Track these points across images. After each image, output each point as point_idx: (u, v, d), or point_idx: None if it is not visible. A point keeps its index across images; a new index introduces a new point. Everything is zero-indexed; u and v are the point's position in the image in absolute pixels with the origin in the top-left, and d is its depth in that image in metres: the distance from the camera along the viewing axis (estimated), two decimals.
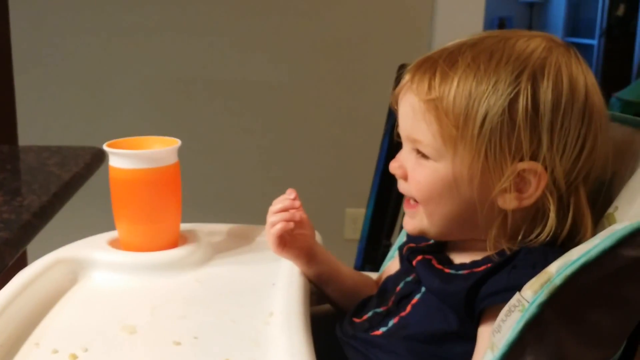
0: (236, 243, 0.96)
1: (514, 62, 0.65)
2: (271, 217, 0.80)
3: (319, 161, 2.40)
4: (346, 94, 2.36)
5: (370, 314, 0.77)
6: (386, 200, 1.55)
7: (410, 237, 0.81)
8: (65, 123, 2.30)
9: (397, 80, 0.76)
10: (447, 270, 0.70)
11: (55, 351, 0.68)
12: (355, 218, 2.50)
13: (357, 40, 2.30)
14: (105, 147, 0.87)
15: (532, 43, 0.67)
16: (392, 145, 1.53)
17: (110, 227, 0.93)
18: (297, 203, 0.81)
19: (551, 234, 0.65)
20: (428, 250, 0.75)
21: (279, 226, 0.79)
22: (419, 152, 0.70)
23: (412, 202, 0.73)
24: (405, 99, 0.71)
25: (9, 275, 0.82)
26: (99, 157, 1.42)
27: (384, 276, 0.85)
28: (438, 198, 0.69)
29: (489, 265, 0.66)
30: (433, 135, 0.67)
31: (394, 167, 0.74)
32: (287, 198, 0.81)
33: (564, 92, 0.65)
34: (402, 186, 0.74)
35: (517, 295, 0.55)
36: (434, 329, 0.68)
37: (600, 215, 0.67)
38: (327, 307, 0.88)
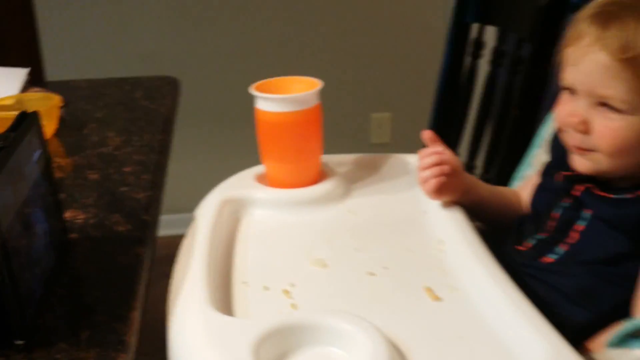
0: (367, 173, 1.02)
1: None
2: (422, 173, 0.85)
3: (346, 67, 2.42)
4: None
5: (533, 241, 0.83)
6: (449, 113, 1.60)
7: (557, 158, 0.86)
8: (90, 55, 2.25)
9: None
10: (610, 196, 0.77)
11: (267, 288, 0.75)
12: (380, 123, 2.56)
13: None
14: (252, 91, 0.91)
15: None
16: (453, 63, 1.57)
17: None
18: (446, 156, 0.85)
19: None
20: (585, 179, 0.80)
21: (432, 182, 0.84)
22: (605, 105, 0.74)
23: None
24: (592, 56, 0.73)
25: None
26: (176, 87, 1.45)
27: (524, 197, 0.93)
28: (629, 150, 0.74)
29: None
30: (630, 90, 0.71)
31: (574, 122, 0.76)
32: (435, 152, 0.85)
33: None
34: (578, 138, 0.77)
35: None
36: (608, 252, 0.75)
37: None
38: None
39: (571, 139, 0.79)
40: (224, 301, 0.72)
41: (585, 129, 0.76)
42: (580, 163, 0.79)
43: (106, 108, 1.30)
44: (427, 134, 0.88)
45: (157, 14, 2.23)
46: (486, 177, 1.41)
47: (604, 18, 0.73)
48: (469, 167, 1.53)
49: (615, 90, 0.72)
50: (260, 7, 2.29)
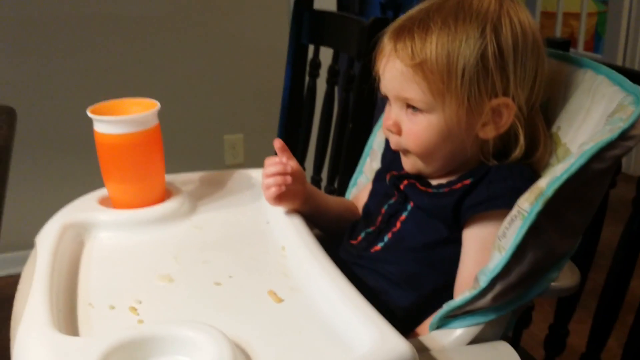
0: (212, 189, 1.05)
1: (476, 20, 0.80)
2: (265, 180, 0.91)
3: (197, 91, 2.45)
4: (221, 21, 2.40)
5: (363, 234, 0.91)
6: (295, 131, 1.67)
7: (385, 164, 0.96)
8: None
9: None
10: (430, 191, 0.86)
11: (112, 307, 0.76)
12: (234, 144, 2.60)
13: None
14: (89, 114, 0.92)
15: (484, 1, 0.82)
16: (294, 83, 1.64)
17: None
18: (289, 167, 0.90)
19: (523, 151, 0.82)
20: (409, 176, 0.90)
21: (273, 190, 0.89)
22: (409, 106, 0.83)
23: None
24: (391, 65, 0.83)
25: None
26: (12, 116, 1.40)
27: (359, 203, 1.00)
28: (434, 147, 0.83)
29: (465, 182, 0.83)
30: (423, 92, 0.81)
31: (389, 125, 0.85)
32: (280, 162, 0.90)
33: (519, 35, 0.81)
34: (395, 140, 0.86)
35: (516, 207, 0.72)
36: (427, 238, 0.84)
37: None
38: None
39: (392, 141, 0.88)
40: (69, 323, 0.72)
41: (397, 130, 0.86)
42: (405, 162, 0.89)
43: None
44: (277, 143, 0.93)
45: None
46: (330, 189, 1.50)
47: (398, 31, 0.83)
48: (315, 180, 1.60)
49: (414, 92, 0.82)
50: (108, 31, 2.27)
